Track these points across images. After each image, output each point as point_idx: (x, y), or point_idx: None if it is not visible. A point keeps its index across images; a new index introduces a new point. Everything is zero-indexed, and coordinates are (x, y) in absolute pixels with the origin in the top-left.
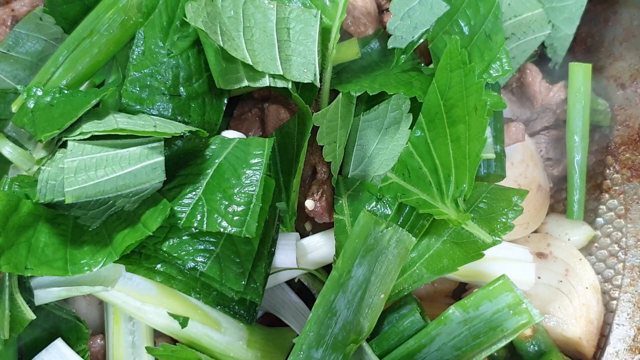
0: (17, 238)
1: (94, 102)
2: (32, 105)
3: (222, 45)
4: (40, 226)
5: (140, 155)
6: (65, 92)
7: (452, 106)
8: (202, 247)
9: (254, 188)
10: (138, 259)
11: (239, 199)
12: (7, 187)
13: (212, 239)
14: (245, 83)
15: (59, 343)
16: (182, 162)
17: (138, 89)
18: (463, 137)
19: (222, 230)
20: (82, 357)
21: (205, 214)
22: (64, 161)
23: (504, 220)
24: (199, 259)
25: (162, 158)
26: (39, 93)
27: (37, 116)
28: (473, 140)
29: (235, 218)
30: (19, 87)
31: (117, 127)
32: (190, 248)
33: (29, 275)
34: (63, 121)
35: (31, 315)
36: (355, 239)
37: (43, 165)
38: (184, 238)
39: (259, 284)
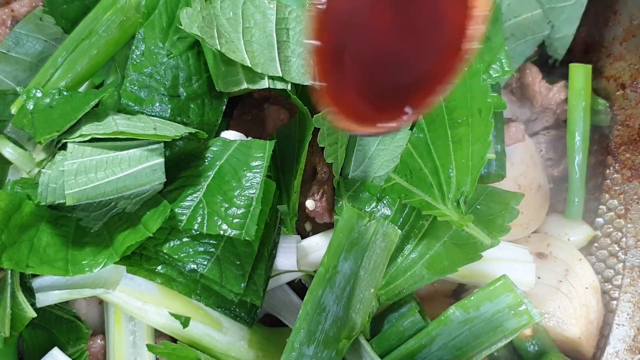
0: (19, 237)
1: (93, 103)
2: (31, 107)
3: (219, 49)
4: (43, 226)
5: (140, 157)
6: (65, 93)
7: (455, 108)
8: (203, 249)
9: (254, 191)
10: (139, 260)
11: (239, 202)
12: (9, 189)
13: (212, 241)
14: (245, 85)
15: (55, 352)
16: (183, 164)
17: (137, 89)
18: (465, 139)
19: (222, 232)
20: (80, 357)
21: (206, 216)
22: (64, 163)
23: (500, 222)
24: (200, 260)
25: (162, 160)
26: (38, 94)
27: (36, 118)
28: (477, 143)
29: (235, 221)
30: (18, 88)
31: (117, 129)
32: (191, 250)
33: (30, 273)
34: (62, 123)
35: (32, 314)
36: (339, 234)
37: (43, 168)
38: (184, 240)
39: (260, 285)
